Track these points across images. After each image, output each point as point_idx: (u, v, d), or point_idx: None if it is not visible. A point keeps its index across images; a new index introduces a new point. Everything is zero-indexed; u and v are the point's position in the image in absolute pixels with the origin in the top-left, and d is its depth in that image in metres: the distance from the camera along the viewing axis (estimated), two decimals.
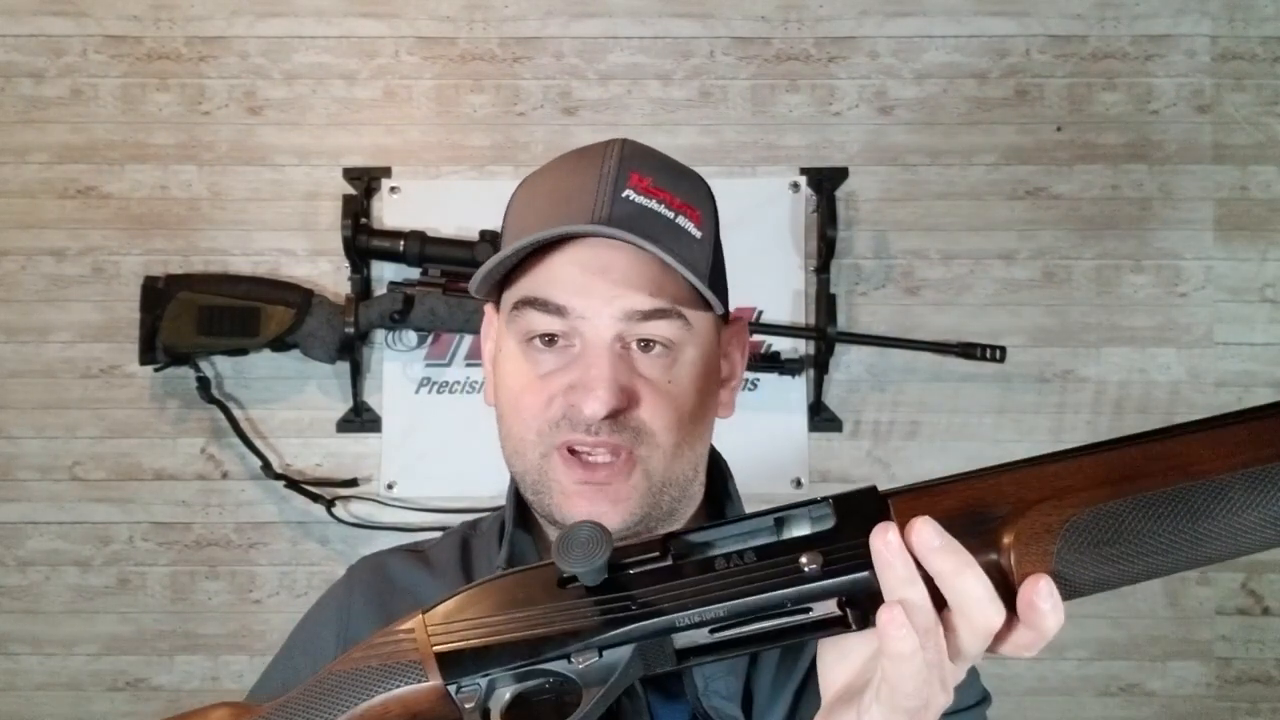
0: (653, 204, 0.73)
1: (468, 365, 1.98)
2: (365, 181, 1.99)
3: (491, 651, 0.56)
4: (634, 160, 0.75)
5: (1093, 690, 2.01)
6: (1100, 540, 0.54)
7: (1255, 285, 2.05)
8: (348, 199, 1.95)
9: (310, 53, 2.03)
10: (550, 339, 0.73)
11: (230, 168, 2.02)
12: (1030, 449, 0.58)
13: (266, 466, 1.94)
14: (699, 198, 0.77)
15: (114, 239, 2.01)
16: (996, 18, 2.05)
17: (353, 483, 1.98)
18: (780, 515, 0.57)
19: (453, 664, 0.57)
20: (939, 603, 0.53)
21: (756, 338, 1.97)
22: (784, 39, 2.05)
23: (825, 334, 1.92)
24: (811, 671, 0.72)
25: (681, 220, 0.74)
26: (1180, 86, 2.05)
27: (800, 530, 0.57)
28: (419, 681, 0.56)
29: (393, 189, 2.00)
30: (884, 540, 0.53)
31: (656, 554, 0.56)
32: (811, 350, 1.98)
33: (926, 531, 0.53)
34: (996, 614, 0.53)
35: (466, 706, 0.56)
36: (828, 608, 0.55)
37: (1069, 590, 0.54)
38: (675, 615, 0.55)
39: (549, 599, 0.56)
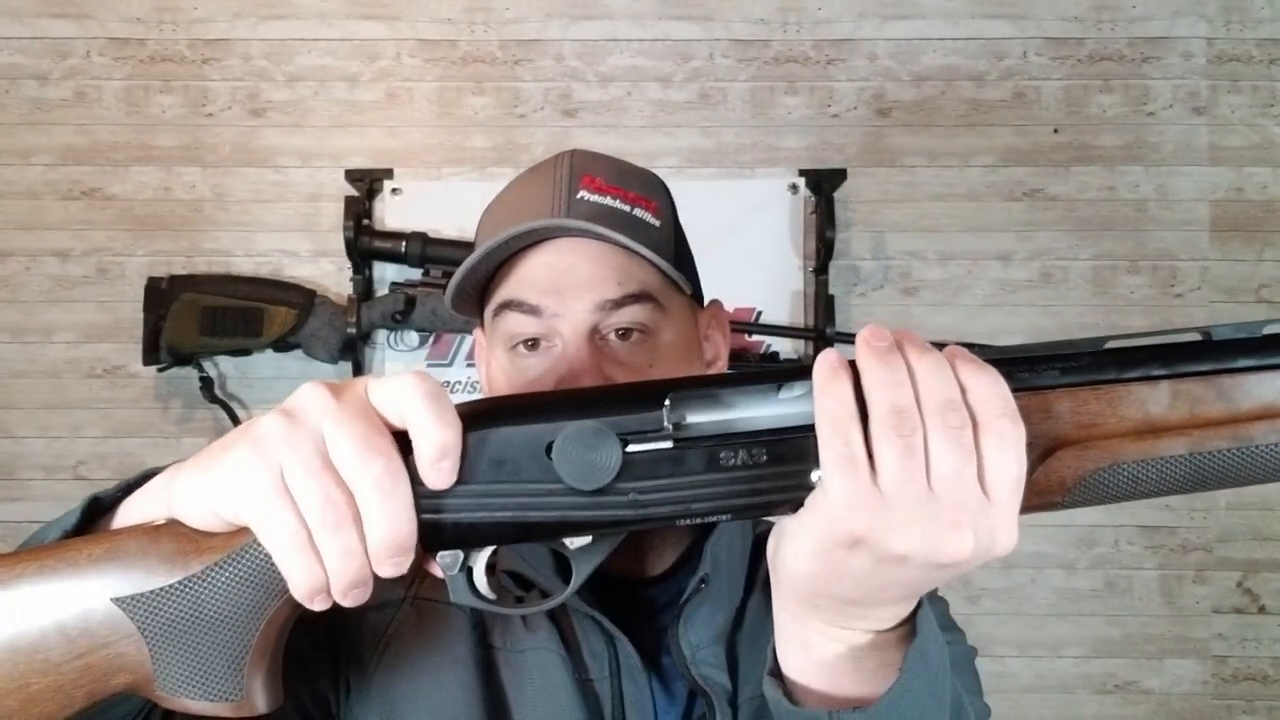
0: (608, 200, 0.75)
1: (469, 365, 1.99)
2: (367, 183, 2.00)
3: (479, 530, 0.52)
4: (585, 165, 0.77)
5: (1089, 688, 2.03)
6: (1108, 493, 0.52)
7: (1251, 286, 2.06)
8: (350, 200, 1.96)
9: (312, 55, 2.05)
10: (532, 343, 0.76)
11: (233, 169, 2.03)
12: None
13: None
14: (652, 190, 0.80)
15: (118, 240, 2.02)
16: (994, 20, 2.06)
17: None
18: (782, 382, 0.52)
19: (433, 537, 0.52)
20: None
21: (756, 338, 1.98)
22: (783, 41, 2.06)
23: (824, 334, 1.93)
24: None
25: (638, 212, 0.76)
26: (1176, 88, 2.06)
27: (808, 405, 0.51)
28: None
29: (394, 190, 2.02)
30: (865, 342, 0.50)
31: (659, 431, 0.52)
32: (810, 350, 2.00)
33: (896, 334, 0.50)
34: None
35: (450, 574, 0.54)
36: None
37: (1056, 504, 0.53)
38: (679, 514, 0.52)
39: (540, 474, 0.52)
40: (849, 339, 1.96)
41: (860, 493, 0.48)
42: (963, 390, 0.49)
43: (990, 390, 0.49)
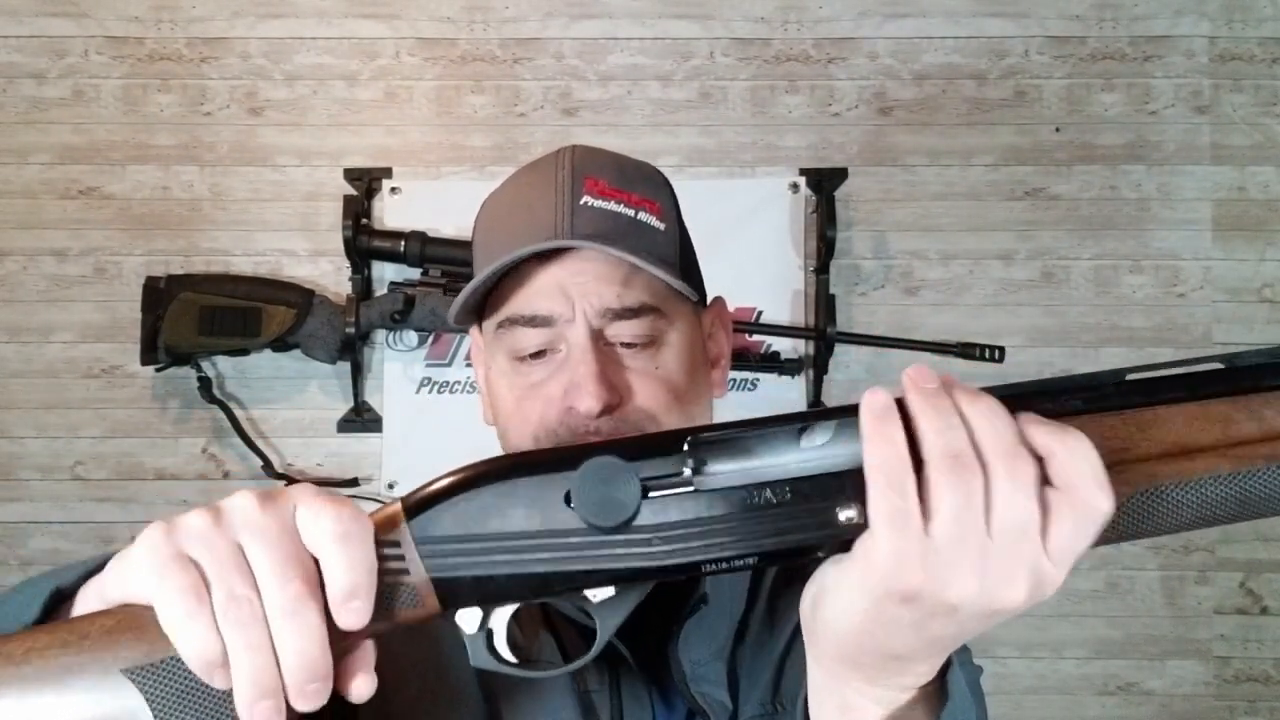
0: (612, 205, 0.74)
1: (468, 365, 1.98)
2: (366, 182, 2.00)
3: (498, 583, 0.52)
4: (586, 166, 0.76)
5: (1091, 689, 2.02)
6: (1145, 524, 0.50)
7: (1253, 285, 2.05)
8: (348, 199, 1.95)
9: (311, 54, 2.04)
10: (539, 354, 0.75)
11: (231, 168, 2.03)
12: None
13: (267, 466, 1.94)
14: (655, 189, 0.79)
15: (115, 239, 2.01)
16: (995, 19, 2.06)
17: (354, 482, 1.99)
18: (805, 426, 0.51)
19: (452, 594, 0.52)
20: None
21: (757, 338, 1.97)
22: (783, 40, 2.05)
23: (824, 334, 1.93)
24: (794, 639, 0.72)
25: (643, 215, 0.75)
26: (1179, 87, 2.06)
27: (833, 451, 0.50)
28: (411, 607, 0.51)
29: (393, 189, 2.01)
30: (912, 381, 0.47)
31: (679, 475, 0.51)
32: (811, 350, 1.99)
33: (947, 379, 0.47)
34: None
35: (470, 635, 0.54)
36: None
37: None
38: (704, 559, 0.51)
39: (559, 523, 0.51)
40: (850, 339, 1.95)
41: (911, 546, 0.45)
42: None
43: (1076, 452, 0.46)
